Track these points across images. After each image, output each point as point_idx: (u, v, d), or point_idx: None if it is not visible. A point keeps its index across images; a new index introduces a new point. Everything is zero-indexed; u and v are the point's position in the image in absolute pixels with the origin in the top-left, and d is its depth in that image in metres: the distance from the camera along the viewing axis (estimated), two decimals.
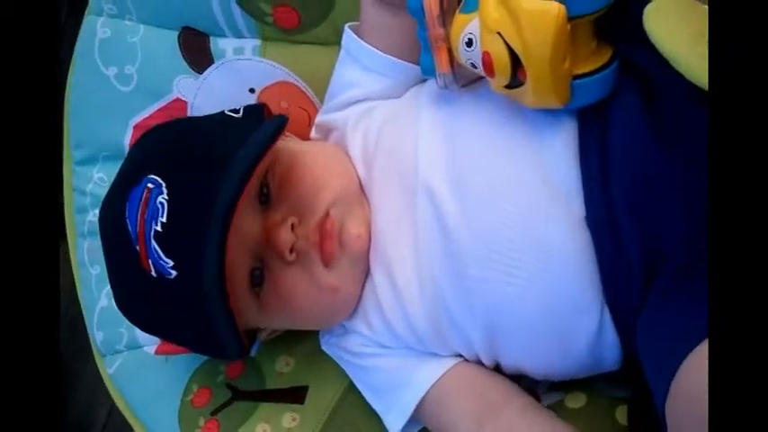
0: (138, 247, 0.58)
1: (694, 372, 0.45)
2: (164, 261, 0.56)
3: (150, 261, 0.57)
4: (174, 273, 0.56)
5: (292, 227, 0.58)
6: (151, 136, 0.68)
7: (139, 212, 0.58)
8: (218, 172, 0.55)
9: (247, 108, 0.68)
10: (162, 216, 0.56)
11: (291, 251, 0.58)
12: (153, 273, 0.57)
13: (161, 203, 0.57)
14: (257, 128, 0.59)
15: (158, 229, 0.56)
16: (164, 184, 0.57)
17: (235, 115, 0.66)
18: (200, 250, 0.53)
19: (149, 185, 0.58)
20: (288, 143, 0.65)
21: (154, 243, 0.57)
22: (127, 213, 0.59)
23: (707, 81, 0.40)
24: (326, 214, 0.59)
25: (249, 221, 0.58)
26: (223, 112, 0.68)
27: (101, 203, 0.66)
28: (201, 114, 0.76)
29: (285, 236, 0.58)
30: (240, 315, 0.60)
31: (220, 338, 0.56)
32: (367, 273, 0.62)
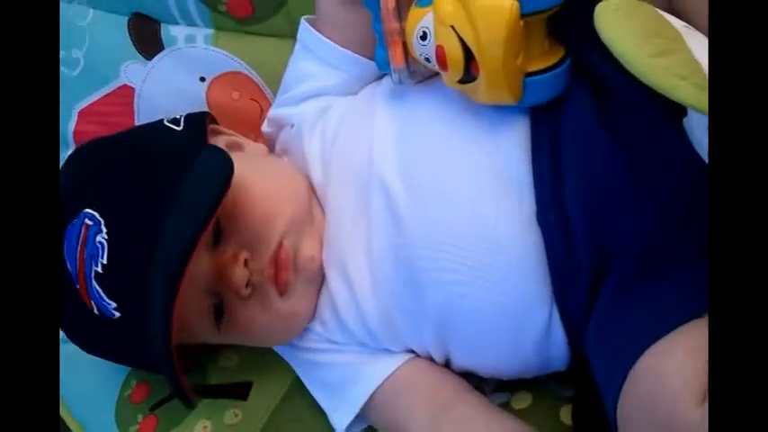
0: (78, 286, 0.56)
1: (647, 372, 0.46)
2: (106, 302, 0.55)
3: (92, 300, 0.56)
4: (117, 314, 0.55)
5: (245, 262, 0.57)
6: (86, 155, 0.65)
7: (78, 251, 0.56)
8: (160, 214, 0.53)
9: (188, 119, 0.65)
10: (102, 257, 0.54)
11: (247, 286, 0.57)
12: (95, 311, 0.56)
13: (100, 243, 0.55)
14: (198, 153, 0.57)
15: (99, 270, 0.55)
16: (102, 222, 0.55)
17: (175, 128, 0.64)
18: (144, 298, 0.51)
19: (87, 222, 0.56)
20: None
21: (95, 284, 0.55)
22: (66, 250, 0.57)
23: (656, 81, 0.40)
24: (280, 245, 0.58)
25: (199, 262, 0.56)
26: (162, 122, 0.65)
27: None
28: (149, 101, 0.75)
29: (240, 273, 0.56)
30: (197, 339, 0.60)
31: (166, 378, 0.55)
32: (322, 279, 0.62)
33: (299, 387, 0.66)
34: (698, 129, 0.46)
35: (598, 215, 0.52)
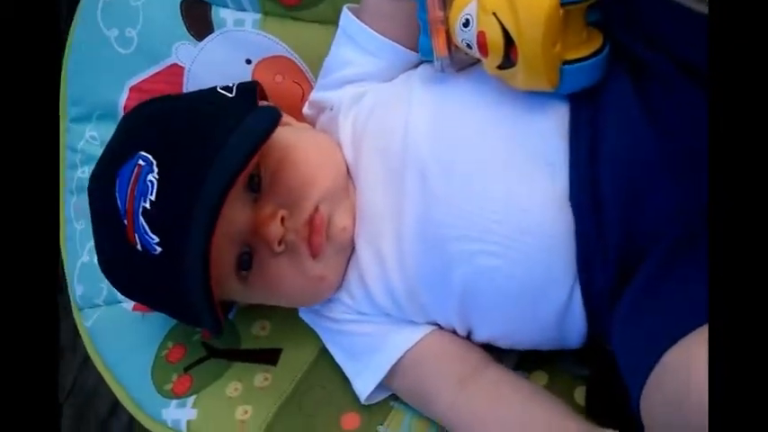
0: (125, 221, 0.59)
1: (677, 364, 0.46)
2: (150, 237, 0.58)
3: (137, 235, 0.59)
4: (159, 249, 0.58)
5: (282, 220, 0.60)
6: (144, 110, 0.69)
7: (129, 188, 0.59)
8: (209, 157, 0.56)
9: (240, 87, 0.69)
10: (151, 194, 0.58)
11: (280, 243, 0.60)
12: (139, 247, 0.59)
13: (151, 182, 0.58)
14: (250, 112, 0.61)
15: (147, 206, 0.58)
16: (155, 163, 0.59)
17: (227, 94, 0.67)
18: (186, 233, 0.55)
19: (140, 162, 0.59)
20: (280, 132, 0.63)
21: (141, 219, 0.58)
22: (117, 187, 0.60)
23: None
24: (316, 209, 0.61)
25: (239, 211, 0.60)
26: (215, 89, 0.68)
27: (91, 172, 0.67)
28: (198, 80, 0.77)
29: (275, 229, 0.59)
30: (223, 292, 0.62)
31: (198, 316, 0.58)
32: (351, 250, 0.64)
33: (326, 355, 0.68)
34: None
35: (633, 199, 0.54)
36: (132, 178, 0.59)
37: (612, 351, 0.57)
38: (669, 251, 0.53)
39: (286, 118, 0.70)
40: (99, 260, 0.67)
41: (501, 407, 0.60)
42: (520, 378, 0.62)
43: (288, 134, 0.64)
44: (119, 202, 0.60)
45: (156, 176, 0.58)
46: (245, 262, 0.61)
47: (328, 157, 0.65)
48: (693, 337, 0.46)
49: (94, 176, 0.66)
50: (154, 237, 0.58)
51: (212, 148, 0.57)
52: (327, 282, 0.64)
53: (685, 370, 0.45)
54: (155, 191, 0.58)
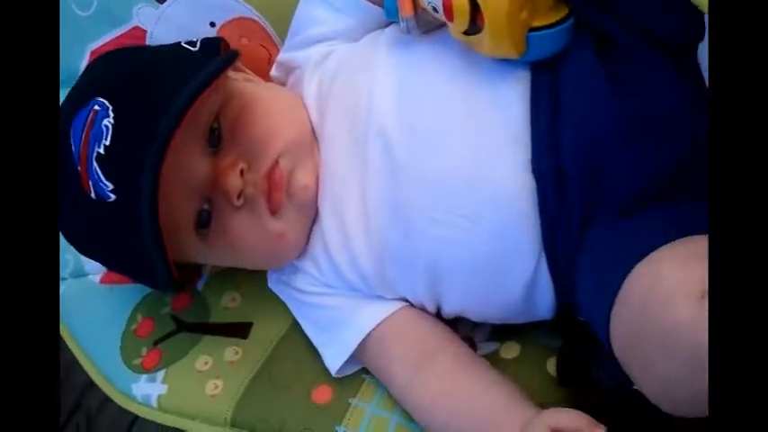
0: (79, 168, 0.58)
1: (643, 276, 0.45)
2: (104, 184, 0.57)
3: (90, 182, 0.57)
4: (112, 196, 0.57)
5: (241, 172, 0.58)
6: (105, 59, 0.67)
7: (84, 133, 0.58)
8: (165, 102, 0.55)
9: (204, 41, 0.67)
10: (106, 139, 0.56)
11: (239, 196, 0.59)
12: (92, 194, 0.58)
13: (106, 126, 0.57)
14: (208, 62, 0.59)
15: (101, 151, 0.57)
16: (110, 107, 0.57)
17: (191, 48, 0.66)
18: (137, 178, 0.53)
19: (96, 107, 0.58)
20: (244, 84, 0.64)
21: (95, 165, 0.57)
22: (71, 132, 0.59)
23: None
24: (276, 163, 0.60)
25: (197, 162, 0.58)
26: (180, 44, 0.67)
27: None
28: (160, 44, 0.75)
29: (234, 181, 0.58)
30: (184, 251, 0.61)
31: (154, 272, 0.57)
32: (315, 216, 0.63)
33: (297, 328, 0.68)
34: None
35: (593, 164, 0.53)
36: (87, 123, 0.58)
37: (583, 322, 0.57)
38: (628, 200, 0.53)
39: (252, 75, 0.69)
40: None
41: (453, 395, 0.59)
42: (479, 362, 0.61)
43: (253, 86, 0.63)
44: (72, 147, 0.59)
45: (112, 121, 0.57)
46: (204, 219, 0.60)
47: (292, 111, 0.64)
48: (661, 251, 0.46)
49: None
50: (108, 183, 0.57)
51: (169, 93, 0.55)
52: (287, 240, 0.62)
53: (651, 277, 0.45)
54: (109, 135, 0.56)
